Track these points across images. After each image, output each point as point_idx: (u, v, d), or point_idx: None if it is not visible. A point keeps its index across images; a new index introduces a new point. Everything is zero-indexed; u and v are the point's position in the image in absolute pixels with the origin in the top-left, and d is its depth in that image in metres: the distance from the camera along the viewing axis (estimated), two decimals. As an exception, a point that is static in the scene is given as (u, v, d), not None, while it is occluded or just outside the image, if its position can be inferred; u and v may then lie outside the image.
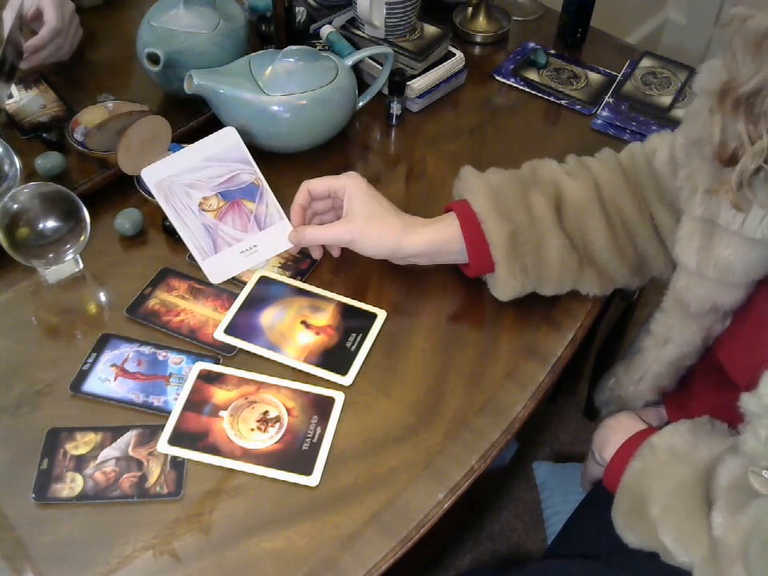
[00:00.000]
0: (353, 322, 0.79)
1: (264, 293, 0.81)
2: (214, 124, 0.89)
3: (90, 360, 0.75)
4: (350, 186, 0.78)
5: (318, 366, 0.75)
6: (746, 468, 0.63)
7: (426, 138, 1.03)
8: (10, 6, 0.87)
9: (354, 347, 0.77)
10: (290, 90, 0.89)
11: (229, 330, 0.77)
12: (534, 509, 1.46)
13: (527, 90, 1.11)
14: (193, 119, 0.95)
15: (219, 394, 0.72)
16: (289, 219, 0.81)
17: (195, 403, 0.72)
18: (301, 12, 1.07)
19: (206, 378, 0.74)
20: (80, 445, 0.69)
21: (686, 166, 0.72)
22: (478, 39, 1.18)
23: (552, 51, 1.17)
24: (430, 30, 1.09)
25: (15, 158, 0.82)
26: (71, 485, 0.66)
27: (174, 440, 0.69)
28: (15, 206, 0.77)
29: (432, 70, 1.06)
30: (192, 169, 0.77)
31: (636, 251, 0.80)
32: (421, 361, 0.77)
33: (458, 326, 0.81)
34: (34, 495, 0.65)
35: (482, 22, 1.19)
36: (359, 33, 1.07)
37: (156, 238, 0.87)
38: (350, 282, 0.84)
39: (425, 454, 0.70)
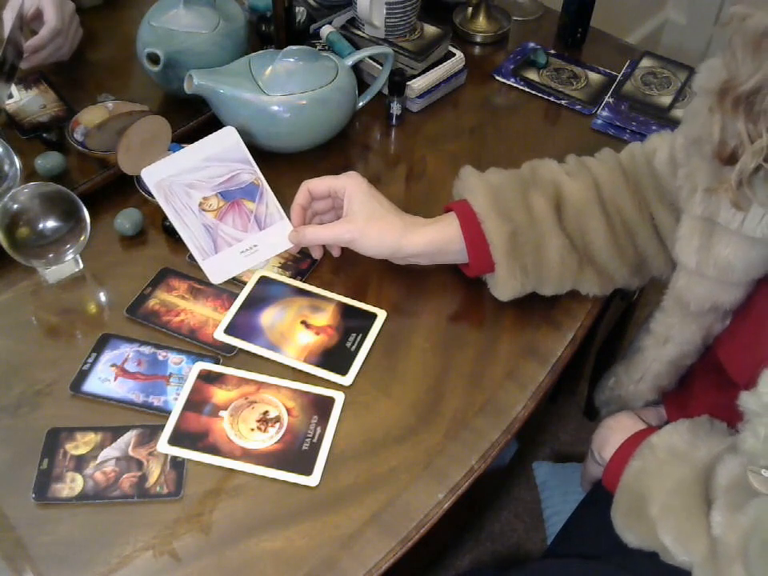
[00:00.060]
0: (353, 322, 0.79)
1: (264, 293, 0.81)
2: (213, 124, 0.89)
3: (90, 360, 0.75)
4: (350, 185, 0.78)
5: (318, 366, 0.75)
6: (745, 467, 0.63)
7: (426, 137, 1.03)
8: (9, 6, 0.87)
9: (353, 347, 0.77)
10: (290, 90, 0.89)
11: (229, 330, 0.77)
12: (534, 509, 1.46)
13: (527, 90, 1.11)
14: (193, 119, 0.95)
15: (219, 394, 0.72)
16: (289, 219, 0.81)
17: (195, 403, 0.72)
18: (301, 12, 1.07)
19: (206, 378, 0.74)
20: (80, 445, 0.69)
21: (686, 165, 0.72)
22: (478, 39, 1.18)
23: (552, 51, 1.17)
24: (430, 29, 1.09)
25: (15, 157, 0.82)
26: (71, 485, 0.66)
27: (174, 440, 0.69)
28: (15, 206, 0.77)
29: (432, 70, 1.06)
30: (192, 169, 0.77)
31: (636, 251, 0.80)
32: (421, 361, 0.77)
33: (458, 326, 0.81)
34: (33, 495, 0.65)
35: (481, 21, 1.19)
36: (359, 33, 1.07)
37: (156, 238, 0.87)
38: (350, 282, 0.84)
39: (425, 454, 0.70)
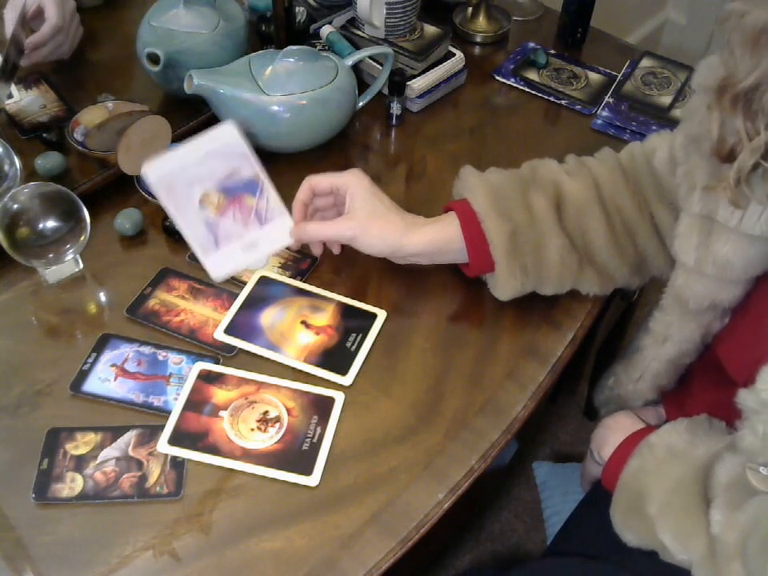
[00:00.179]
0: (353, 322, 0.79)
1: (264, 293, 0.81)
2: (213, 124, 0.88)
3: (90, 360, 0.75)
4: (352, 183, 0.77)
5: (318, 366, 0.75)
6: (743, 465, 0.63)
7: (426, 138, 1.03)
8: (10, 5, 0.87)
9: (353, 347, 0.77)
10: (290, 90, 0.89)
11: (229, 330, 0.77)
12: (534, 509, 1.46)
13: (527, 90, 1.11)
14: (193, 119, 0.95)
15: (219, 394, 0.72)
16: (290, 215, 0.80)
17: (195, 403, 0.72)
18: (301, 12, 1.07)
19: (206, 378, 0.74)
20: (80, 445, 0.69)
21: (685, 163, 0.72)
22: (478, 39, 1.18)
23: (552, 51, 1.17)
24: (430, 30, 1.09)
25: (15, 157, 0.82)
26: (71, 485, 0.66)
27: (174, 440, 0.69)
28: (15, 206, 0.77)
29: (432, 70, 1.06)
30: (193, 164, 0.76)
31: (636, 250, 0.80)
32: (421, 361, 0.77)
33: (458, 326, 0.81)
34: (33, 495, 0.65)
35: (481, 21, 1.19)
36: (359, 33, 1.07)
37: (156, 238, 0.87)
38: (350, 281, 0.84)
39: (425, 454, 0.70)
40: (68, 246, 0.79)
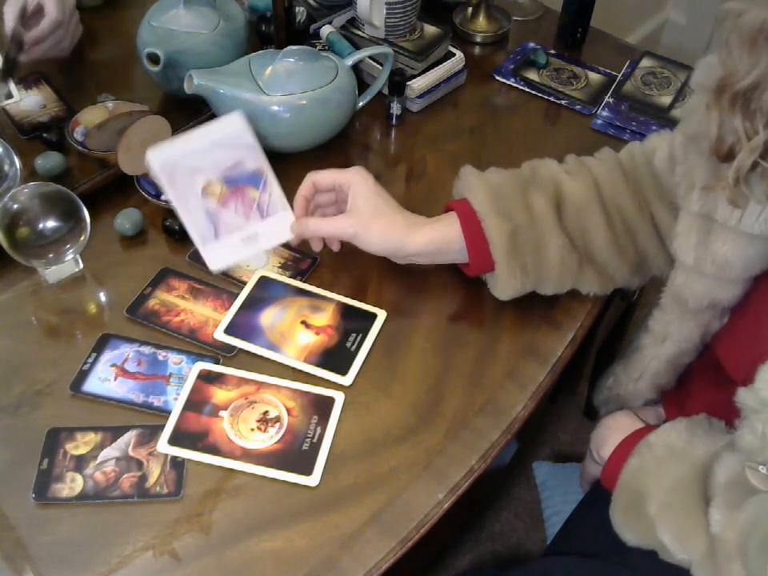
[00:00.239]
0: (353, 322, 0.79)
1: (264, 293, 0.81)
2: (213, 124, 0.89)
3: (90, 360, 0.75)
4: (355, 180, 0.77)
5: (318, 366, 0.75)
6: (743, 465, 0.63)
7: (426, 138, 1.03)
8: (10, 1, 0.87)
9: (354, 347, 0.77)
10: (290, 90, 0.89)
11: (229, 330, 0.77)
12: (534, 509, 1.46)
13: (527, 90, 1.11)
14: (193, 119, 0.95)
15: (219, 394, 0.72)
16: (292, 210, 0.80)
17: (195, 403, 0.72)
18: (301, 12, 1.07)
19: (206, 378, 0.74)
20: (80, 445, 0.69)
21: (684, 162, 0.72)
22: (478, 39, 1.18)
23: (552, 51, 1.17)
24: (430, 30, 1.09)
25: (15, 157, 0.82)
26: (71, 485, 0.66)
27: (174, 440, 0.69)
28: (15, 206, 0.77)
29: (432, 70, 1.06)
30: (198, 152, 0.75)
31: (636, 250, 0.80)
32: (421, 361, 0.77)
33: (458, 326, 0.81)
34: (33, 495, 0.65)
35: (481, 21, 1.19)
36: (359, 33, 1.07)
37: (156, 238, 0.87)
38: (350, 281, 0.84)
39: (425, 454, 0.70)
40: (68, 246, 0.79)
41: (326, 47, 1.06)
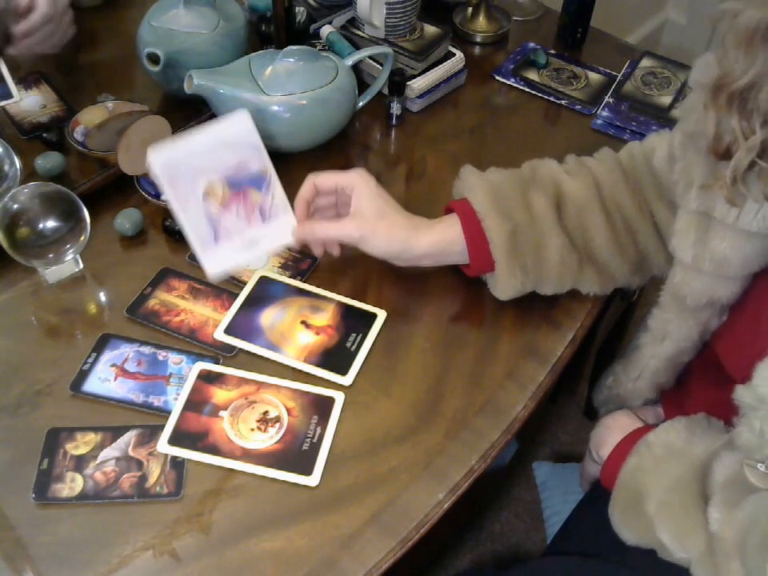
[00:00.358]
0: (353, 322, 0.79)
1: (264, 293, 0.81)
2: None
3: (89, 360, 0.75)
4: (358, 183, 0.76)
5: (318, 366, 0.75)
6: (741, 463, 0.63)
7: (426, 138, 1.03)
8: None
9: (354, 347, 0.77)
10: (290, 90, 0.89)
11: (229, 330, 0.77)
12: (534, 509, 1.46)
13: (527, 90, 1.11)
14: (193, 119, 0.95)
15: (219, 394, 0.72)
16: (294, 213, 0.79)
17: (195, 403, 0.72)
18: (301, 12, 1.07)
19: (206, 378, 0.74)
20: (80, 445, 0.69)
21: (682, 160, 0.72)
22: (478, 39, 1.18)
23: (552, 51, 1.17)
24: (430, 30, 1.09)
25: (15, 158, 0.82)
26: (71, 485, 0.66)
27: (174, 440, 0.69)
28: (15, 206, 0.77)
29: (432, 70, 1.06)
30: (201, 153, 0.73)
31: (636, 249, 0.80)
32: (421, 361, 0.77)
33: (458, 326, 0.81)
34: (33, 495, 0.65)
35: (481, 22, 1.19)
36: (359, 33, 1.07)
37: (156, 238, 0.87)
38: (350, 281, 0.84)
39: (425, 454, 0.70)
40: (68, 245, 0.79)
41: (326, 47, 1.06)
